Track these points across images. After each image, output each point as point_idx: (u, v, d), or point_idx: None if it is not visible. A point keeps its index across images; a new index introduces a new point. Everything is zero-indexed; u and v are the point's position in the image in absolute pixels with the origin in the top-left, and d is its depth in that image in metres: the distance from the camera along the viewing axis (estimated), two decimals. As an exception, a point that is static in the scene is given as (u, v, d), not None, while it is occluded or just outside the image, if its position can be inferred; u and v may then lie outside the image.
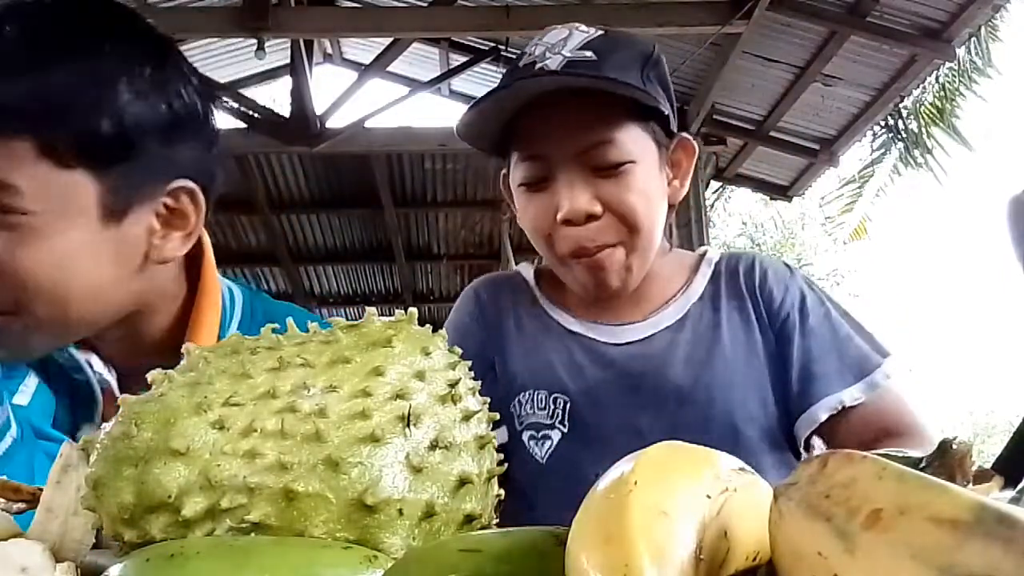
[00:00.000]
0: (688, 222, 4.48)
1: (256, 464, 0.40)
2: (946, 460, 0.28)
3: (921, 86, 4.83)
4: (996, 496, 0.30)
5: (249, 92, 5.30)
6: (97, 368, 0.82)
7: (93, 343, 0.82)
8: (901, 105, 5.04)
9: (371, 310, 0.49)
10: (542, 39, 0.93)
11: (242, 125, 4.76)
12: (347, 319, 0.49)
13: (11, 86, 0.66)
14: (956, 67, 5.37)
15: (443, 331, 0.50)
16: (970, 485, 0.28)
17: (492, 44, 4.91)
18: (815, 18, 3.85)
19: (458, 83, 5.78)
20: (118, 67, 0.71)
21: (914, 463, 0.29)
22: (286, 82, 5.25)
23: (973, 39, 5.10)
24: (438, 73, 5.47)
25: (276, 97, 6.46)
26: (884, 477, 0.23)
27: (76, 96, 0.68)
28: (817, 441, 0.96)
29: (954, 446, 0.28)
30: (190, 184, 0.76)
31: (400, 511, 0.40)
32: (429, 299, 7.16)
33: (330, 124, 4.84)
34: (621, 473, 0.29)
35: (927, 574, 0.20)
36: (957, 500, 0.21)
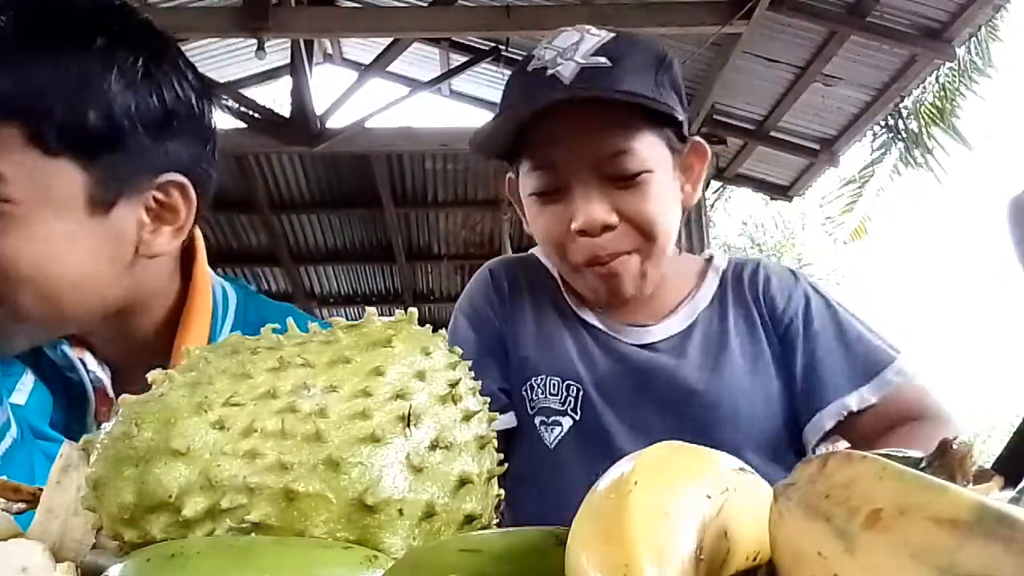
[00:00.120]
0: (688, 222, 4.48)
1: (256, 464, 0.40)
2: (946, 460, 0.28)
3: (921, 86, 4.83)
4: (996, 496, 0.29)
5: (249, 92, 5.30)
6: (91, 366, 0.81)
7: (87, 341, 0.82)
8: (901, 105, 5.05)
9: (371, 310, 0.49)
10: (552, 42, 0.92)
11: (242, 125, 4.77)
12: (347, 319, 0.49)
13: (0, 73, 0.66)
14: (956, 67, 5.38)
15: (443, 331, 0.50)
16: (970, 485, 0.28)
17: (492, 44, 4.90)
18: (815, 18, 3.84)
19: (458, 83, 5.76)
20: (109, 58, 0.70)
21: (914, 463, 0.29)
22: (286, 82, 5.26)
23: (973, 39, 5.11)
24: (438, 73, 5.46)
25: (276, 97, 6.46)
26: (884, 477, 0.23)
27: (65, 84, 0.67)
28: (842, 443, 0.95)
29: (954, 446, 0.28)
30: (181, 179, 0.76)
31: (400, 511, 0.40)
32: (429, 299, 7.16)
33: (330, 124, 4.84)
34: (621, 473, 0.29)
35: (927, 574, 0.20)
36: (957, 500, 0.21)
